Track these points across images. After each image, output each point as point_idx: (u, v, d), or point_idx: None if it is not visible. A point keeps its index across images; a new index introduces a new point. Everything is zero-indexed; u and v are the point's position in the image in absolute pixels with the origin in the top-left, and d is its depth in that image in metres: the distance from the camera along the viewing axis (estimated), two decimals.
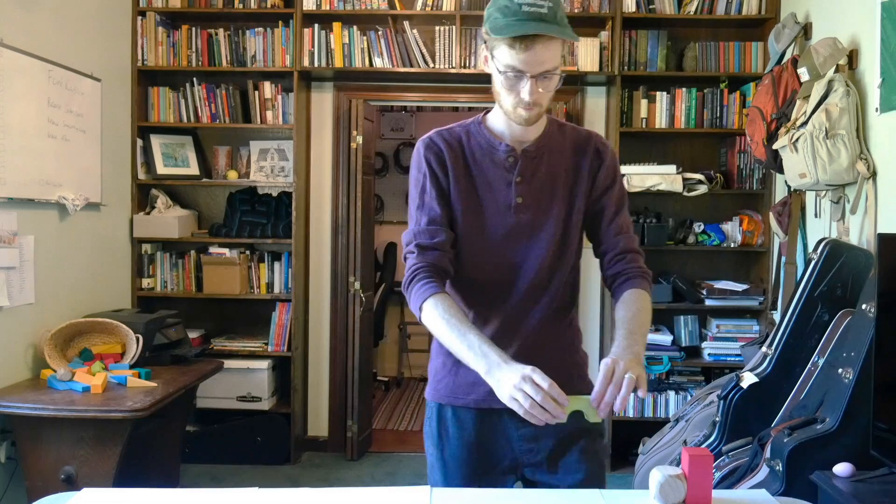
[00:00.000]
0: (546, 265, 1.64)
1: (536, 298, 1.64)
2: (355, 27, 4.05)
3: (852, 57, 2.95)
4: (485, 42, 1.55)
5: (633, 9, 3.95)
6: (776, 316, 3.54)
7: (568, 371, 1.65)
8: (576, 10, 3.99)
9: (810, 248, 3.13)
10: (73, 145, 3.45)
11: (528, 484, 1.68)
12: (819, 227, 3.25)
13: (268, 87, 4.12)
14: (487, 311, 1.65)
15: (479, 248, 1.64)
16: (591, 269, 4.38)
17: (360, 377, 4.24)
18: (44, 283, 3.21)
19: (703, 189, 3.96)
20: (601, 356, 4.44)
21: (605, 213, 1.68)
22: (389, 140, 6.53)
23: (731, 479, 2.43)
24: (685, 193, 3.97)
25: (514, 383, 1.34)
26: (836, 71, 2.93)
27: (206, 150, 4.35)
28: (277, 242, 4.15)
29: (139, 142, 4.10)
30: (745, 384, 2.67)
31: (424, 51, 4.04)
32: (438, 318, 1.50)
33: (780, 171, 3.23)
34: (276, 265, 4.17)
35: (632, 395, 1.42)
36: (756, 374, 2.69)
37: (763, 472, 2.29)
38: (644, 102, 4.02)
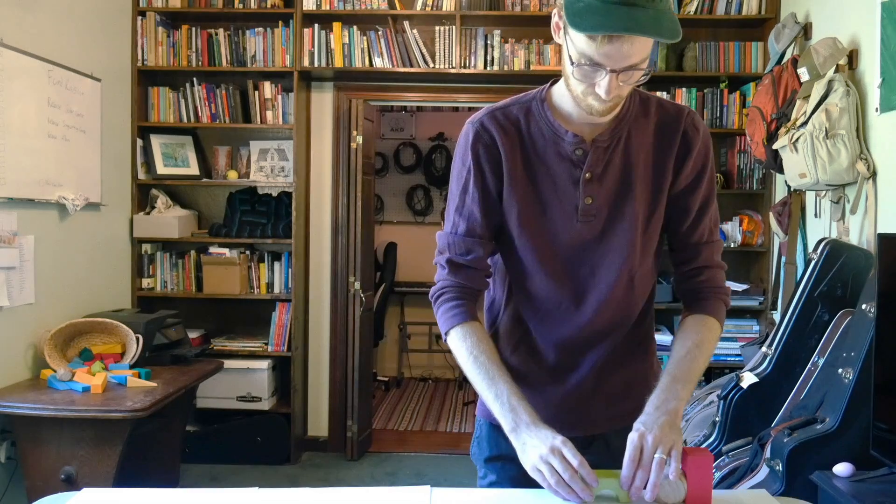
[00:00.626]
0: (622, 280, 1.37)
1: (609, 320, 1.38)
2: (355, 27, 4.06)
3: (852, 57, 2.95)
4: (557, 9, 1.24)
5: None
6: (776, 316, 3.54)
7: (637, 407, 1.30)
8: None
9: (810, 248, 3.13)
10: (73, 145, 3.45)
11: None
12: (819, 227, 3.25)
13: (268, 87, 4.12)
14: (547, 333, 1.40)
15: (541, 258, 1.36)
16: None
17: (360, 377, 4.24)
18: (44, 283, 3.21)
19: None
20: None
21: (686, 215, 1.39)
22: (389, 140, 6.54)
23: (731, 479, 2.43)
24: None
25: (541, 453, 1.19)
26: (836, 71, 2.93)
27: (206, 150, 4.35)
28: (277, 242, 4.15)
29: (139, 142, 4.10)
30: (745, 384, 2.67)
31: (424, 51, 4.04)
32: (466, 353, 1.33)
33: (780, 171, 3.23)
34: (276, 265, 4.17)
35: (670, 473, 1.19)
36: (756, 374, 2.69)
37: (763, 472, 2.29)
38: None
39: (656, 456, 1.19)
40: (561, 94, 1.36)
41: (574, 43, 1.21)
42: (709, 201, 1.40)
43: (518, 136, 1.36)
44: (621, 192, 1.35)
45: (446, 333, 1.38)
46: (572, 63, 1.23)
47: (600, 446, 1.43)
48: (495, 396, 1.29)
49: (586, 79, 1.24)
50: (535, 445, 1.21)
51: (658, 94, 3.93)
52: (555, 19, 1.29)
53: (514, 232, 1.37)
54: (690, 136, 1.37)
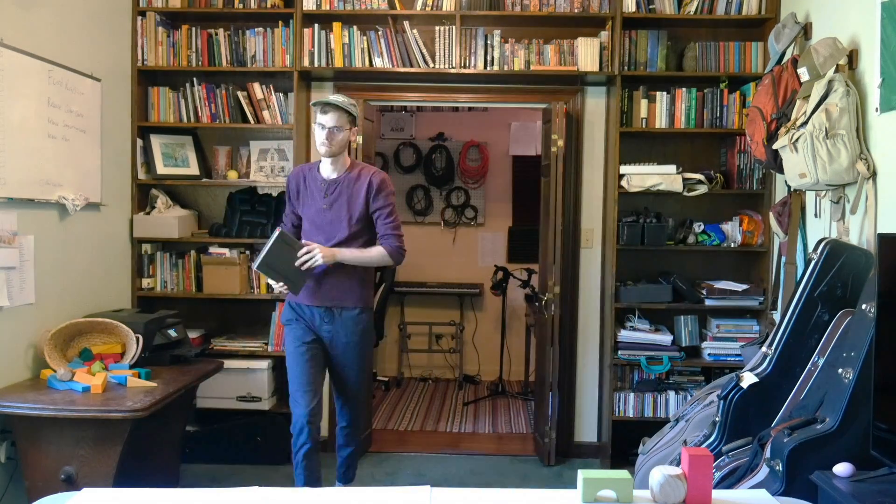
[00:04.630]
0: (341, 240, 3.11)
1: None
2: (355, 27, 4.06)
3: (852, 57, 2.95)
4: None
5: (633, 9, 3.95)
6: (776, 316, 3.55)
7: (350, 296, 3.18)
8: (576, 10, 3.99)
9: (810, 248, 3.13)
10: (73, 145, 3.45)
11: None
12: (819, 227, 3.25)
13: (268, 87, 4.12)
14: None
15: (310, 228, 3.18)
16: (590, 265, 4.38)
17: None
18: (44, 283, 3.22)
19: (703, 189, 3.97)
20: (601, 359, 4.43)
21: (377, 216, 3.14)
22: (389, 140, 6.54)
23: (731, 479, 2.43)
24: (685, 193, 3.97)
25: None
26: (836, 71, 2.93)
27: (206, 150, 4.35)
28: None
29: (139, 142, 4.10)
30: (745, 384, 2.67)
31: (424, 51, 4.04)
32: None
33: (780, 171, 3.23)
34: None
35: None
36: (756, 374, 2.69)
37: (763, 472, 2.29)
38: (644, 102, 4.02)
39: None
40: (322, 164, 3.18)
41: (315, 119, 3.09)
42: (387, 208, 3.13)
43: (304, 179, 3.19)
44: (341, 204, 3.12)
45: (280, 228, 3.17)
46: (315, 127, 3.10)
47: (329, 313, 3.15)
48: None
49: (319, 135, 3.06)
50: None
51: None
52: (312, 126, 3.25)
53: (303, 215, 3.19)
54: (372, 183, 3.11)
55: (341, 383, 3.23)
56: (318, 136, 3.02)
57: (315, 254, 2.98)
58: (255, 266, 3.00)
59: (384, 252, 3.09)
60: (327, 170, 3.13)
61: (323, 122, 3.02)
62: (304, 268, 2.98)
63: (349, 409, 3.27)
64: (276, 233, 2.98)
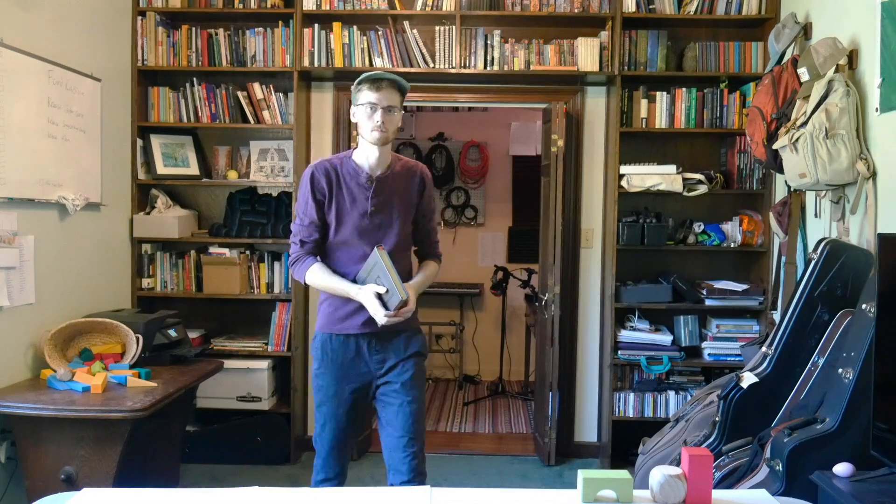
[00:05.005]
0: (390, 251, 2.50)
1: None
2: (355, 27, 4.06)
3: (852, 57, 2.95)
4: (353, 91, 2.54)
5: (633, 9, 3.95)
6: (776, 316, 3.54)
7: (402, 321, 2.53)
8: (576, 10, 3.99)
9: (810, 248, 3.13)
10: (73, 145, 3.45)
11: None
12: (819, 227, 3.25)
13: (268, 87, 4.13)
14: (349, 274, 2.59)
15: (346, 241, 2.56)
16: (590, 265, 4.38)
17: None
18: (44, 283, 3.21)
19: (703, 189, 3.96)
20: (601, 359, 4.43)
21: (421, 222, 2.67)
22: None
23: (731, 479, 2.43)
24: (685, 193, 3.97)
25: (365, 298, 2.41)
26: (836, 71, 2.93)
27: (206, 150, 4.35)
28: (277, 242, 4.15)
29: (139, 142, 4.10)
30: (745, 384, 2.67)
31: (424, 51, 4.04)
32: (318, 274, 2.55)
33: (780, 171, 3.23)
34: (276, 265, 4.17)
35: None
36: (756, 374, 2.69)
37: (763, 472, 2.29)
38: (644, 102, 4.02)
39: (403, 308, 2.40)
40: (358, 153, 2.54)
41: (359, 99, 2.46)
42: (432, 213, 2.69)
43: (336, 175, 2.52)
44: (390, 207, 2.53)
45: (304, 273, 2.53)
46: (362, 108, 2.46)
47: (377, 340, 2.54)
48: (347, 287, 2.45)
49: (370, 118, 2.43)
50: (364, 295, 2.40)
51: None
52: (352, 108, 2.52)
53: (332, 224, 2.52)
54: (424, 180, 2.62)
55: (401, 422, 2.51)
56: (368, 120, 2.42)
57: (411, 308, 2.42)
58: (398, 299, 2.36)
59: (436, 268, 2.68)
60: (373, 163, 2.49)
61: (375, 101, 2.40)
62: (388, 318, 2.37)
63: (413, 452, 2.52)
64: (378, 253, 2.40)
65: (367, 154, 2.49)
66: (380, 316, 2.34)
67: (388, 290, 2.33)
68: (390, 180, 2.52)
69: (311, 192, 2.50)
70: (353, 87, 2.48)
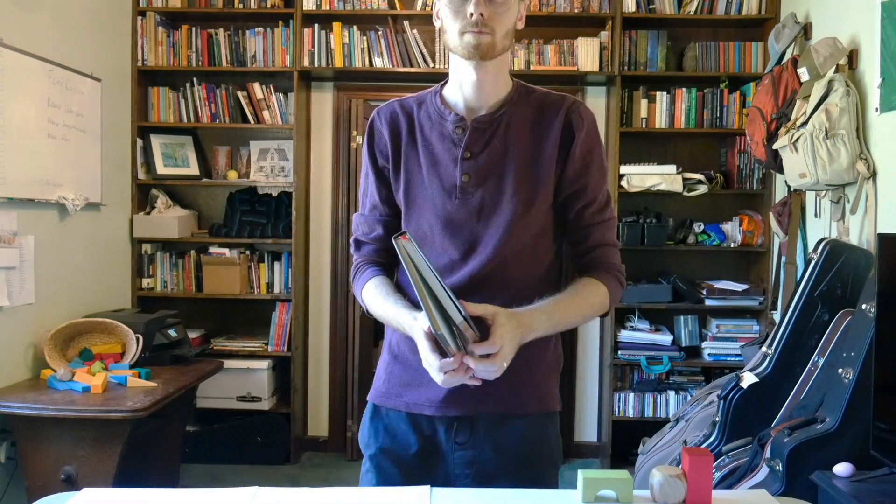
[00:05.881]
0: (499, 259, 1.37)
1: (483, 300, 1.28)
2: (355, 27, 4.06)
3: (852, 57, 2.95)
4: None
5: (633, 9, 3.95)
6: (776, 316, 3.54)
7: (523, 391, 1.43)
8: (576, 10, 3.99)
9: (810, 248, 3.13)
10: (73, 145, 3.45)
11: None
12: (819, 227, 3.25)
13: (268, 87, 4.12)
14: None
15: (422, 234, 1.41)
16: None
17: (360, 377, 4.24)
18: (44, 283, 3.21)
19: (703, 189, 3.96)
20: (601, 359, 4.41)
21: (577, 199, 1.43)
22: None
23: (731, 479, 2.43)
24: (685, 193, 3.97)
25: (429, 363, 1.25)
26: (836, 71, 2.93)
27: (206, 150, 4.35)
28: (277, 242, 4.15)
29: (139, 142, 4.10)
30: (745, 384, 2.67)
31: (424, 51, 4.04)
32: (373, 296, 1.45)
33: (780, 171, 3.23)
34: (276, 265, 4.17)
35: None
36: (756, 374, 2.69)
37: (763, 472, 2.29)
38: (644, 102, 4.02)
39: (497, 363, 1.22)
40: (452, 85, 1.45)
41: None
42: (599, 188, 1.45)
43: (409, 122, 1.46)
44: (499, 174, 1.39)
45: (363, 300, 1.49)
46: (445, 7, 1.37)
47: (468, 428, 1.43)
48: (403, 317, 1.35)
49: (459, 10, 1.34)
50: (416, 332, 1.28)
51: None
52: (435, 6, 1.43)
53: (403, 209, 1.46)
54: (574, 124, 1.41)
55: None
56: (456, 16, 1.35)
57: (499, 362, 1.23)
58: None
59: (606, 296, 1.42)
60: (469, 94, 1.42)
61: None
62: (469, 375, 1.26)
63: None
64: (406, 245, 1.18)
65: (460, 81, 1.42)
66: (433, 370, 1.24)
67: (440, 319, 1.18)
68: (503, 125, 1.41)
69: (369, 157, 1.49)
70: None
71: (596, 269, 1.44)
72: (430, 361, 1.24)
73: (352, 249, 1.55)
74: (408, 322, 1.32)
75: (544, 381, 1.47)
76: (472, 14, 1.31)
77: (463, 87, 1.42)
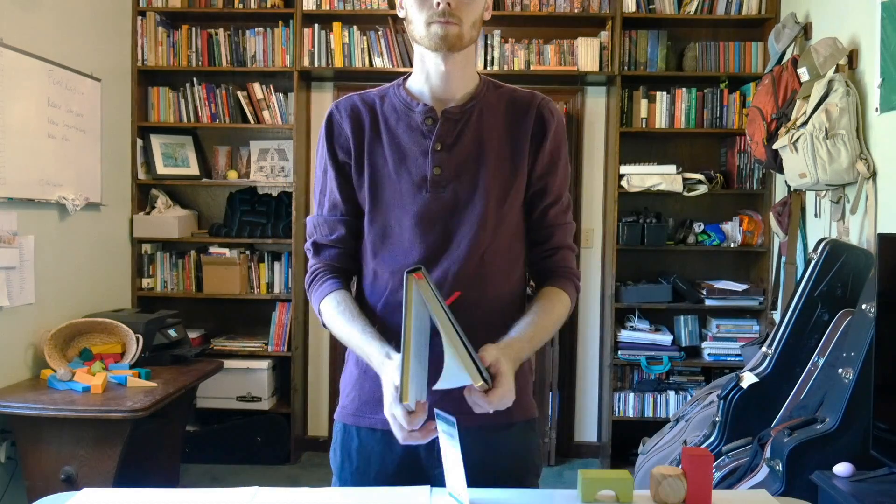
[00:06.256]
0: (472, 255, 1.33)
1: (468, 300, 1.30)
2: (355, 27, 4.06)
3: (852, 57, 2.95)
4: None
5: (633, 9, 3.95)
6: (776, 316, 3.54)
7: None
8: (576, 10, 3.99)
9: (810, 248, 3.13)
10: (73, 145, 3.45)
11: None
12: (819, 227, 3.25)
13: (268, 87, 4.12)
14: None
15: (391, 231, 1.35)
16: (590, 265, 4.36)
17: None
18: (44, 283, 3.21)
19: (703, 189, 3.96)
20: (601, 359, 4.40)
21: (542, 197, 1.41)
22: None
23: (731, 479, 2.43)
24: (685, 193, 3.97)
25: (386, 410, 1.18)
26: (836, 71, 2.93)
27: (206, 150, 4.35)
28: (277, 242, 4.15)
29: (139, 142, 4.10)
30: (745, 384, 2.67)
31: None
32: (334, 316, 1.35)
33: (780, 171, 3.23)
34: (276, 265, 4.17)
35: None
36: (756, 374, 2.69)
37: (763, 472, 2.29)
38: (644, 102, 4.02)
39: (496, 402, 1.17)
40: (416, 76, 1.40)
41: None
42: (564, 184, 1.44)
43: (371, 115, 1.39)
44: (472, 166, 1.35)
45: (320, 313, 1.40)
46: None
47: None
48: (370, 350, 1.28)
49: (424, 1, 1.30)
50: (385, 375, 1.21)
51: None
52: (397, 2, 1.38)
53: (367, 206, 1.38)
54: (545, 120, 1.40)
55: None
56: (420, 8, 1.33)
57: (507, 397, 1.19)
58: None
59: (568, 307, 1.41)
60: (437, 85, 1.38)
61: None
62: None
63: None
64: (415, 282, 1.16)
65: (427, 71, 1.38)
66: (395, 424, 1.18)
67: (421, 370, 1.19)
68: (475, 117, 1.37)
69: (329, 153, 1.41)
70: None
71: (556, 276, 1.42)
72: (394, 412, 1.16)
73: (308, 254, 1.45)
74: (378, 360, 1.26)
75: (524, 389, 1.41)
76: (438, 3, 1.28)
77: (430, 78, 1.37)
